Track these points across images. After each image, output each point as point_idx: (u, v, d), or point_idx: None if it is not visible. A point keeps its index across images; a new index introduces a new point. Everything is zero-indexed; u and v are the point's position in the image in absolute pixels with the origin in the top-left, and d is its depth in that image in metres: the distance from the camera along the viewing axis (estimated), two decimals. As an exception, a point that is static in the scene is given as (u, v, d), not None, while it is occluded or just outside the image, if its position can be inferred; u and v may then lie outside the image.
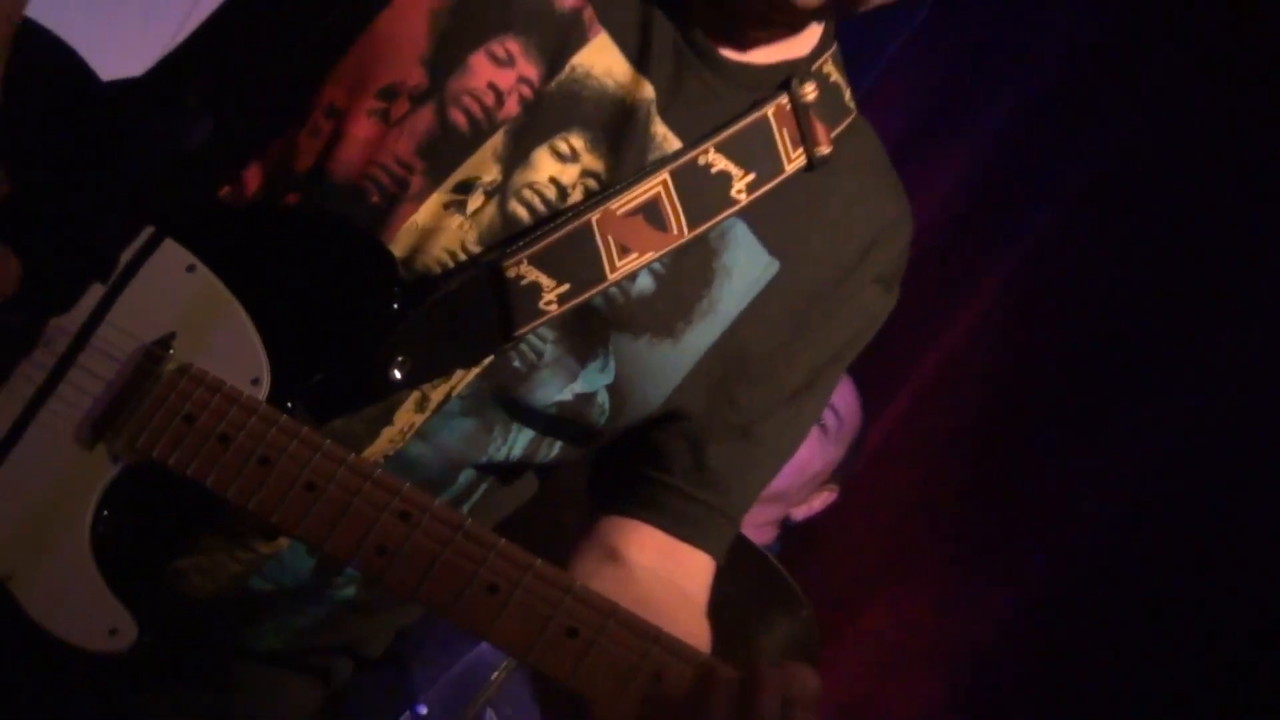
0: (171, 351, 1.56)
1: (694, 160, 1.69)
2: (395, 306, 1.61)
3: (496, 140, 1.66)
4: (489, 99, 1.66)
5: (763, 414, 1.80)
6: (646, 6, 1.70)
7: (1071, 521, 2.97)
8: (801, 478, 3.24)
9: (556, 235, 1.65)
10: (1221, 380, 2.84)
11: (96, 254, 1.47)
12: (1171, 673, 2.72)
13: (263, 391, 1.57)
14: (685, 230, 1.69)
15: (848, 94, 1.81)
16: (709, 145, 1.70)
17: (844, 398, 3.27)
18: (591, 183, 1.68)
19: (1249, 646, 2.62)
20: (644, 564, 1.76)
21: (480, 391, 1.71)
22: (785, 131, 1.73)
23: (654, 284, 1.70)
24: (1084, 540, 2.95)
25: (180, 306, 1.59)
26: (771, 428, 1.81)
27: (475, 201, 1.66)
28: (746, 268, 1.74)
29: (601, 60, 1.68)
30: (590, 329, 1.71)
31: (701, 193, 1.69)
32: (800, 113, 1.72)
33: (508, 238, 1.66)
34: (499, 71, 1.66)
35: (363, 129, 1.66)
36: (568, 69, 1.67)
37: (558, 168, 1.67)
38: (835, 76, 1.79)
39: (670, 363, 1.73)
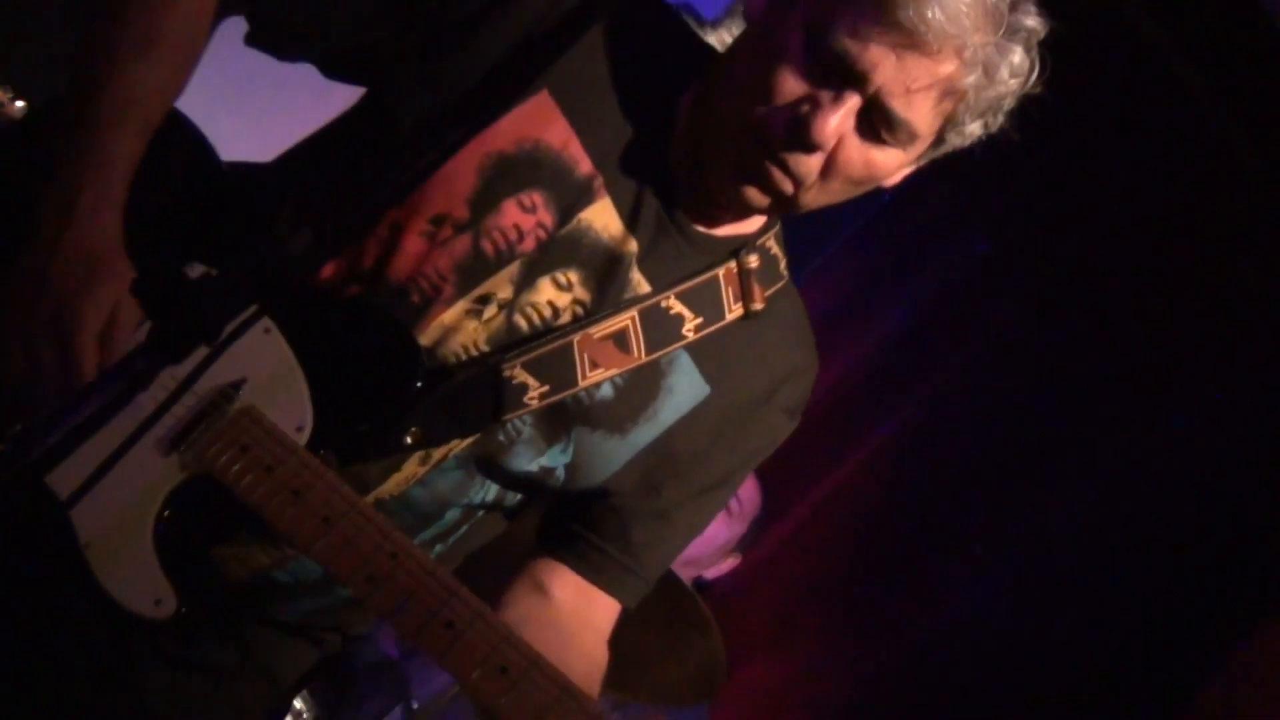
0: (240, 394, 1.70)
1: (658, 303, 1.85)
2: (419, 385, 1.75)
3: (514, 268, 1.80)
4: (513, 235, 1.80)
5: (680, 503, 1.95)
6: (642, 184, 1.84)
7: (929, 607, 3.16)
8: (710, 547, 3.43)
9: (546, 348, 1.80)
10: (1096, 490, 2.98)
11: (209, 323, 1.54)
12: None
13: (304, 438, 1.70)
14: (643, 354, 1.85)
15: (783, 264, 1.98)
16: (671, 293, 1.86)
17: (747, 487, 3.44)
18: (579, 309, 1.83)
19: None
20: (563, 598, 1.90)
21: (470, 454, 1.85)
22: (730, 289, 1.90)
23: (613, 392, 1.86)
24: (938, 619, 3.13)
25: (253, 359, 1.72)
26: (686, 514, 1.97)
27: (490, 312, 1.81)
28: (685, 389, 1.90)
29: (601, 218, 1.82)
30: (560, 421, 1.85)
31: (660, 328, 1.85)
32: (744, 276, 1.89)
33: (509, 343, 1.80)
34: (524, 216, 1.80)
35: (414, 245, 1.79)
36: (575, 221, 1.81)
37: (555, 294, 1.82)
38: (775, 250, 1.97)
39: (615, 453, 1.88)
